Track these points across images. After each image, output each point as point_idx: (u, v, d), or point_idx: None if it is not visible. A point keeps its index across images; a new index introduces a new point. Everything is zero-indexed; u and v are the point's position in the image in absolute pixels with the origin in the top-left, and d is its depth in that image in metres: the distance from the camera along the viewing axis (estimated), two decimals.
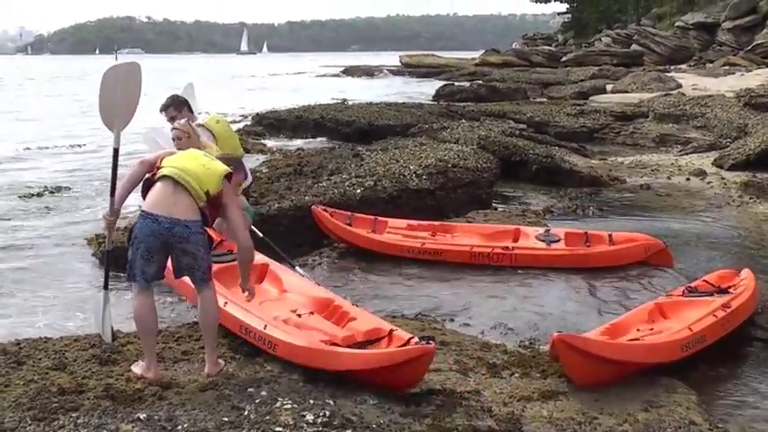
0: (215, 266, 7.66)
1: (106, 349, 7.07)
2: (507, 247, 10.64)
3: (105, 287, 7.20)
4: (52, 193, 17.88)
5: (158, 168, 6.54)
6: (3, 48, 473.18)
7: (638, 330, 7.43)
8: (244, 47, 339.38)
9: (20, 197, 17.30)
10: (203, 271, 6.61)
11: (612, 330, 7.33)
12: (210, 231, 6.98)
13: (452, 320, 8.65)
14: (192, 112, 9.73)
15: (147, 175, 6.60)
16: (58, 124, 35.15)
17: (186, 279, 6.86)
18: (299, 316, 7.68)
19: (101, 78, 6.48)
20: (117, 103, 6.44)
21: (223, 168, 6.66)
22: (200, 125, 9.39)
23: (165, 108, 9.67)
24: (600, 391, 6.38)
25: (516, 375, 6.76)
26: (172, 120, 9.51)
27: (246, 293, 7.06)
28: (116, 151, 6.55)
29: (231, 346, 7.20)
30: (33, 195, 17.54)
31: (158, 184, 6.48)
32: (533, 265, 10.39)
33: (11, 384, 6.27)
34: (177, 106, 9.63)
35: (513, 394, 6.35)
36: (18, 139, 28.37)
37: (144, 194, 6.59)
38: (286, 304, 8.14)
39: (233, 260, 8.33)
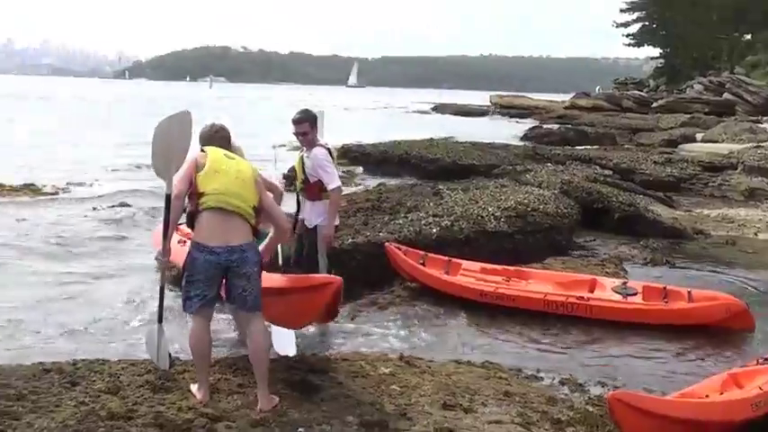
0: None
1: (161, 376, 6.98)
2: (582, 297, 10.36)
3: (159, 321, 7.27)
4: None
5: (199, 195, 6.48)
6: (101, 72, 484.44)
7: (706, 397, 7.05)
8: (353, 80, 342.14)
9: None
10: (255, 295, 6.58)
11: (685, 397, 6.94)
12: None
13: (520, 371, 8.36)
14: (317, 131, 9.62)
15: (188, 205, 6.59)
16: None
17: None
18: None
19: (154, 130, 6.45)
20: (170, 152, 6.41)
21: (252, 169, 6.78)
22: (326, 147, 9.52)
23: (299, 121, 9.46)
24: None
25: None
26: (303, 134, 9.48)
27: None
28: (168, 197, 6.50)
29: (288, 381, 7.02)
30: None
31: (207, 214, 6.46)
32: (608, 317, 10.10)
33: (61, 405, 6.20)
34: (312, 123, 9.49)
35: None
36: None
37: (190, 223, 6.59)
38: None
39: None
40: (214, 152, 6.73)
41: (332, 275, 7.61)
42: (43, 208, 19.28)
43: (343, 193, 18.25)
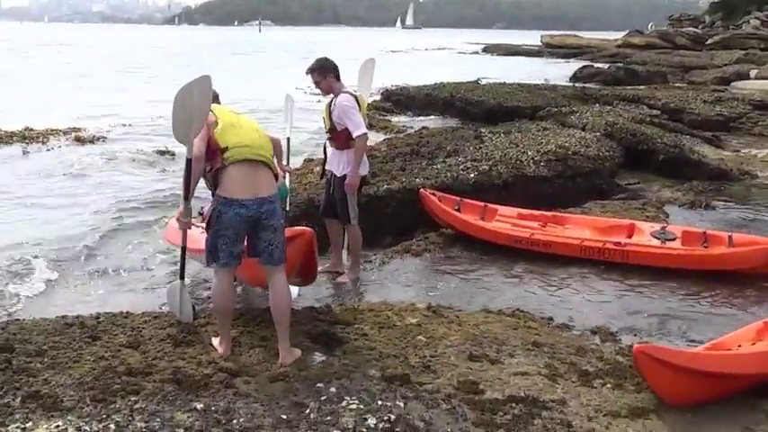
0: None
1: (183, 329, 6.94)
2: (619, 243, 10.11)
3: (181, 278, 7.26)
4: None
5: (222, 151, 6.40)
6: (151, 18, 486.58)
7: (738, 347, 6.80)
8: (409, 21, 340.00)
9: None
10: (281, 248, 6.56)
11: (714, 350, 6.66)
12: None
13: (551, 319, 8.16)
14: (338, 78, 9.44)
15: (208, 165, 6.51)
16: None
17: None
18: None
19: (175, 96, 6.33)
20: (191, 118, 6.32)
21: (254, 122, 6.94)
22: (352, 93, 9.31)
23: (310, 71, 9.35)
24: (694, 411, 5.81)
25: (608, 386, 6.23)
26: (316, 84, 9.41)
27: None
28: (189, 161, 6.41)
29: (311, 333, 6.93)
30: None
31: (232, 169, 6.38)
32: (646, 263, 9.82)
33: (80, 360, 6.17)
34: (321, 72, 9.30)
35: (601, 408, 5.84)
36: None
37: (214, 181, 6.49)
38: None
39: None
40: (220, 109, 6.69)
41: (302, 227, 7.50)
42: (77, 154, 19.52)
43: (384, 137, 18.35)
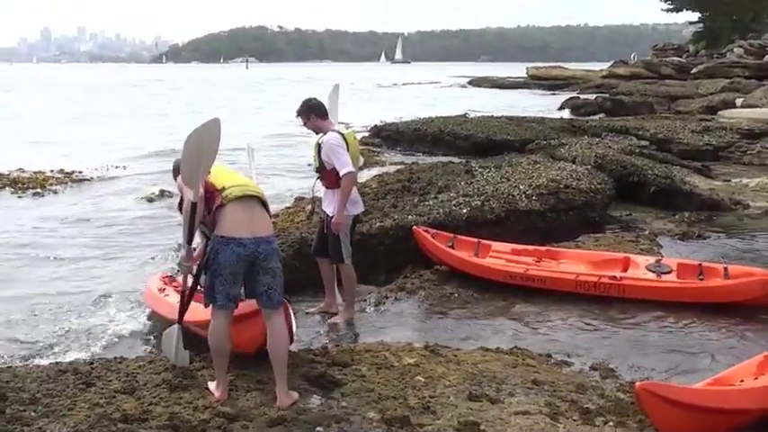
0: None
1: (179, 374, 6.85)
2: (615, 277, 10.07)
3: (179, 322, 7.16)
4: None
5: (219, 193, 6.43)
6: (139, 57, 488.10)
7: (741, 382, 6.74)
8: (398, 56, 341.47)
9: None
10: (280, 292, 6.57)
11: (716, 385, 6.60)
12: None
13: (550, 356, 8.11)
14: (323, 117, 9.44)
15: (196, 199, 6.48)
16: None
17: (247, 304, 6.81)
18: None
19: (185, 141, 6.30)
20: (200, 161, 6.31)
21: None
22: (340, 132, 9.29)
23: (297, 114, 9.51)
24: None
25: (611, 424, 6.18)
26: (304, 125, 9.55)
27: None
28: (194, 205, 6.38)
29: (309, 376, 6.85)
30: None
31: (230, 208, 6.41)
32: (642, 297, 9.80)
33: (75, 407, 6.10)
34: (305, 113, 9.40)
35: None
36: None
37: (212, 223, 6.50)
38: None
39: None
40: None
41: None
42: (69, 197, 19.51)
43: (375, 173, 18.32)
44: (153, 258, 13.35)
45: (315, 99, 9.55)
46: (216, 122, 6.40)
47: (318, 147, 9.34)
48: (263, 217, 6.54)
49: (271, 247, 6.46)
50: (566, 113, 40.07)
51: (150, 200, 19.00)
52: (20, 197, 19.72)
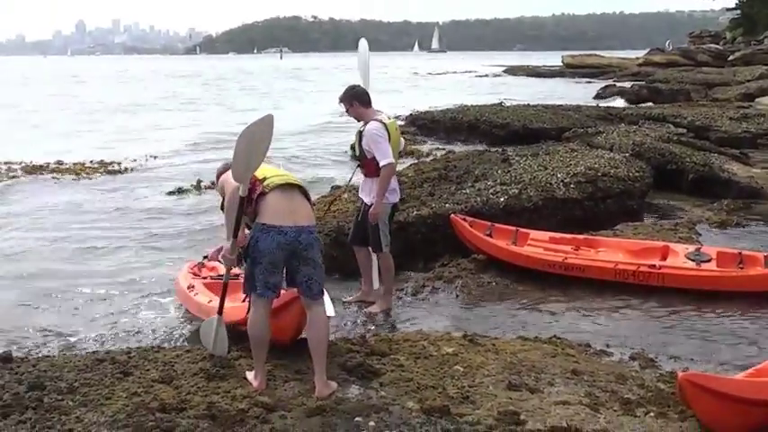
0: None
1: (216, 363, 6.84)
2: (654, 266, 9.97)
3: (219, 313, 7.15)
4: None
5: (261, 182, 6.43)
6: (173, 48, 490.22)
7: None
8: (435, 45, 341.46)
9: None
10: (320, 282, 6.54)
11: (757, 376, 6.44)
12: None
13: (589, 346, 8.05)
14: (366, 105, 9.39)
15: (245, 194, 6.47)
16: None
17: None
18: None
19: (239, 137, 6.29)
20: (252, 157, 6.30)
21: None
22: (382, 121, 9.27)
23: (339, 100, 9.52)
24: None
25: (651, 415, 6.11)
26: (346, 111, 9.55)
27: None
28: (242, 199, 6.37)
29: (347, 366, 6.82)
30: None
31: (272, 196, 6.38)
32: (681, 285, 9.71)
33: (113, 397, 6.10)
34: (348, 100, 9.39)
35: None
36: None
37: (254, 212, 6.46)
38: None
39: None
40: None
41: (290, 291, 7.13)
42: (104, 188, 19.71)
43: (410, 163, 18.27)
44: (185, 249, 13.44)
45: (359, 86, 9.55)
46: (269, 119, 6.39)
47: (360, 135, 9.33)
48: (304, 206, 6.50)
49: (312, 237, 6.42)
50: (619, 102, 39.63)
51: (182, 191, 19.05)
52: (56, 183, 20.10)
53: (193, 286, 9.37)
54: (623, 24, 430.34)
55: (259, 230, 6.34)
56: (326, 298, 7.54)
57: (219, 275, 9.77)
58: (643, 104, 35.83)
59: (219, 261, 9.22)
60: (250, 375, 6.54)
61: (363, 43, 10.32)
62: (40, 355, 7.64)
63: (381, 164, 9.02)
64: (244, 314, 6.97)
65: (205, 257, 10.42)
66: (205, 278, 9.86)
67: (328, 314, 7.69)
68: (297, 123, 32.83)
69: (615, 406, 6.28)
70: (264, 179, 6.44)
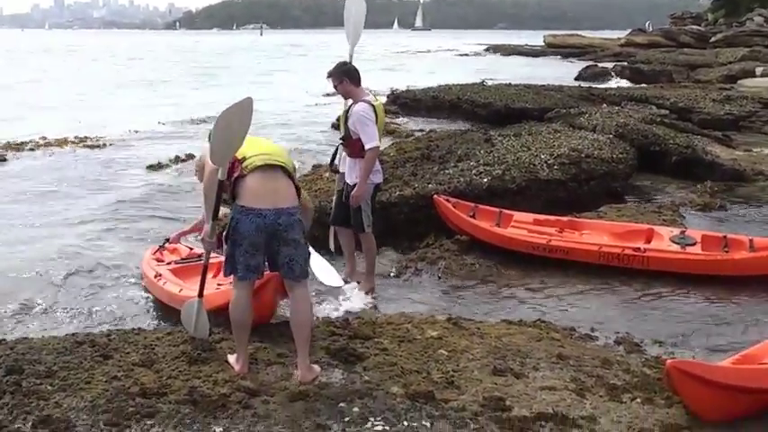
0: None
1: (198, 346, 6.72)
2: (639, 249, 9.93)
3: (200, 295, 7.00)
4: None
5: (240, 163, 6.23)
6: (153, 23, 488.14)
7: None
8: (418, 23, 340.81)
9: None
10: (302, 263, 6.36)
11: (743, 362, 6.42)
12: None
13: (573, 330, 7.99)
14: (357, 84, 9.24)
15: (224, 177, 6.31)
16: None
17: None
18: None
19: (217, 120, 6.15)
20: (231, 141, 6.15)
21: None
22: (370, 103, 9.13)
23: (328, 75, 9.32)
24: (729, 427, 5.65)
25: (638, 401, 6.03)
26: (335, 87, 9.37)
27: None
28: (221, 183, 6.22)
29: (330, 350, 6.71)
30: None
31: (250, 178, 6.19)
32: (666, 269, 9.66)
33: (92, 381, 5.97)
34: (337, 76, 9.21)
35: (633, 425, 5.64)
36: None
37: (233, 193, 6.30)
38: None
39: None
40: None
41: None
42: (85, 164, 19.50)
43: (392, 142, 18.14)
44: (153, 228, 13.45)
45: (350, 64, 9.41)
46: (248, 102, 6.24)
47: (346, 114, 9.21)
48: (285, 187, 6.31)
49: (292, 219, 6.25)
50: (623, 83, 39.72)
51: (157, 166, 18.99)
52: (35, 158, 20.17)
53: (161, 275, 9.31)
54: (605, 6, 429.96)
55: (238, 213, 6.20)
56: (327, 268, 7.45)
57: (183, 259, 10.04)
58: (625, 85, 35.89)
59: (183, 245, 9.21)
60: (232, 359, 6.43)
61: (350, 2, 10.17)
62: (18, 337, 7.48)
63: (367, 146, 8.91)
64: (224, 300, 6.87)
65: (167, 240, 10.34)
66: (169, 263, 9.83)
67: (336, 285, 7.60)
68: (282, 105, 32.53)
69: (601, 391, 6.21)
70: (244, 159, 6.24)
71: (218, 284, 8.22)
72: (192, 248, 10.63)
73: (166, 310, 8.93)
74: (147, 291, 9.81)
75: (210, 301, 7.19)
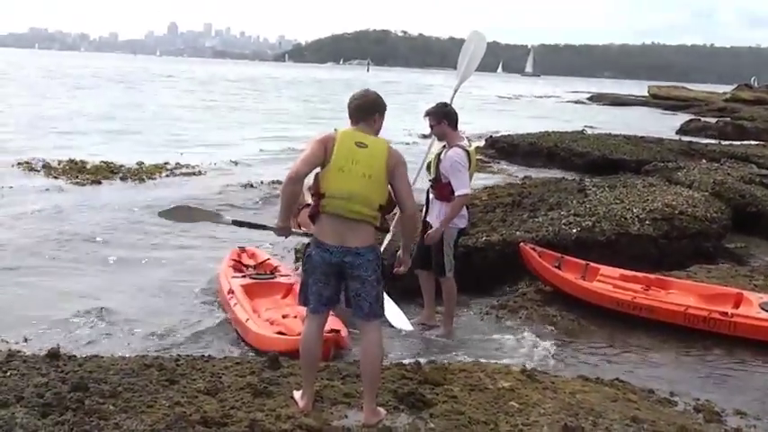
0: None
1: (264, 379, 6.72)
2: (726, 313, 9.62)
3: None
4: None
5: (320, 196, 6.10)
6: (262, 55, 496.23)
7: None
8: (528, 68, 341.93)
9: None
10: (371, 301, 6.14)
11: None
12: None
13: (652, 392, 7.77)
14: (454, 127, 9.27)
15: (310, 202, 6.27)
16: None
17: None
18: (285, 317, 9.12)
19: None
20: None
21: (384, 156, 6.10)
22: (465, 149, 9.13)
23: (426, 114, 9.34)
24: None
25: None
26: (431, 128, 9.37)
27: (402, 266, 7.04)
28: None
29: (398, 393, 6.62)
30: None
31: (325, 217, 6.11)
32: (753, 336, 9.34)
33: (155, 405, 6.00)
34: (436, 116, 9.23)
35: None
36: None
37: (312, 218, 6.25)
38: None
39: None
40: (343, 139, 6.16)
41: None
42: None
43: (486, 185, 18.07)
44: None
45: (450, 106, 9.41)
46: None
47: (438, 158, 9.18)
48: (356, 230, 6.08)
49: (361, 259, 6.07)
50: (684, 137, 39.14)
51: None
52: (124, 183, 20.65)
53: (233, 291, 9.78)
54: (713, 58, 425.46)
55: (312, 243, 6.20)
56: (397, 312, 7.41)
57: (259, 274, 10.63)
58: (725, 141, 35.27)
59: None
60: (297, 395, 6.37)
61: (478, 34, 10.21)
62: (88, 355, 7.56)
63: (457, 193, 8.90)
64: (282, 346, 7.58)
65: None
66: (245, 276, 10.41)
67: (406, 329, 7.56)
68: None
69: None
70: (323, 196, 6.08)
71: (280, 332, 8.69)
72: (268, 258, 11.43)
73: (239, 338, 9.10)
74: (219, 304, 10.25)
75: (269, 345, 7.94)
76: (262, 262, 11.30)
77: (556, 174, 22.95)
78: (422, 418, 6.25)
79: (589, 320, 10.06)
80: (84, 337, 9.13)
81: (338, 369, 7.16)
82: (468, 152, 9.08)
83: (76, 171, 21.28)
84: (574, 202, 14.29)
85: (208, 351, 8.30)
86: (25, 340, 8.87)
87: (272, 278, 10.66)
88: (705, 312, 9.68)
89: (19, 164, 21.98)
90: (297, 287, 9.45)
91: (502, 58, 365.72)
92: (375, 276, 6.16)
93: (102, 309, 10.16)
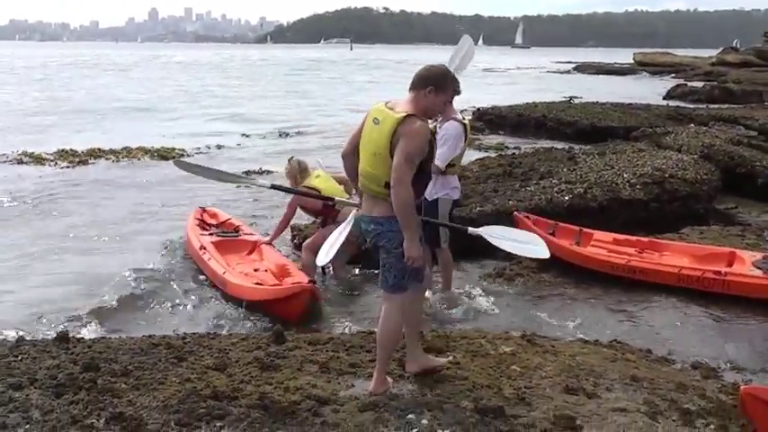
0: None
1: (271, 353, 6.84)
2: (719, 272, 9.76)
3: None
4: None
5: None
6: (244, 37, 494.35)
7: None
8: (518, 40, 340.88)
9: None
10: (390, 275, 6.13)
11: None
12: None
13: (650, 352, 7.89)
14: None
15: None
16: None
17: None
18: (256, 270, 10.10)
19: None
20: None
21: (389, 132, 5.92)
22: (460, 121, 9.20)
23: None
24: None
25: (711, 427, 5.94)
26: None
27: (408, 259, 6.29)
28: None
29: (401, 361, 6.73)
30: None
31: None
32: (747, 294, 9.47)
33: (166, 382, 6.12)
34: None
35: None
36: None
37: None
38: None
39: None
40: (368, 116, 6.19)
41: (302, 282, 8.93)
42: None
43: (475, 158, 18.15)
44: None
45: None
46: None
47: (433, 130, 9.24)
48: (377, 204, 6.06)
49: (382, 228, 6.05)
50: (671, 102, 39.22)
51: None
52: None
53: (204, 247, 10.48)
54: (697, 22, 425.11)
55: None
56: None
57: (225, 232, 11.48)
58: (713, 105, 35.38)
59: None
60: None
61: (467, 39, 10.25)
62: (96, 337, 7.68)
63: (435, 162, 8.90)
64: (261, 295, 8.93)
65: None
66: (212, 234, 11.20)
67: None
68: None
69: (674, 416, 6.11)
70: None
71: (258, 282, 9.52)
72: (230, 218, 12.31)
73: (243, 315, 9.18)
74: (188, 256, 11.07)
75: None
76: (224, 221, 12.12)
77: (545, 144, 23.01)
78: (427, 385, 6.35)
79: (585, 285, 10.20)
80: (88, 322, 9.12)
81: (342, 341, 7.29)
82: (464, 125, 9.15)
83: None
84: (564, 170, 14.43)
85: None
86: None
87: (237, 236, 11.37)
88: (699, 272, 9.82)
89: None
90: (260, 245, 10.81)
91: (483, 32, 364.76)
92: (395, 249, 6.08)
93: (102, 293, 10.20)
